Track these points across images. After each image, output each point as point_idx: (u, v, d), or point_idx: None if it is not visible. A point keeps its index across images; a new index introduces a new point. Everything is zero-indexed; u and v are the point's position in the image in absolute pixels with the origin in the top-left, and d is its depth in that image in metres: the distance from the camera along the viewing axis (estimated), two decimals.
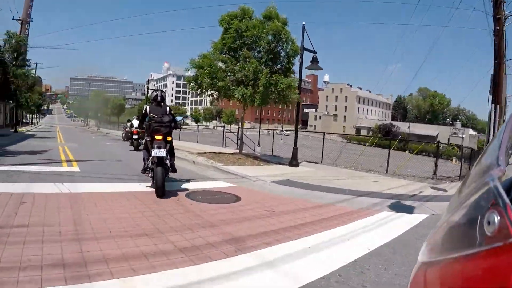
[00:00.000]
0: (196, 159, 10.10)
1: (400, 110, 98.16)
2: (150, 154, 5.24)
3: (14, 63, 19.35)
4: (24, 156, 9.10)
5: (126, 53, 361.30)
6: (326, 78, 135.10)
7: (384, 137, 46.12)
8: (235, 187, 6.44)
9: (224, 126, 16.18)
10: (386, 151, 11.06)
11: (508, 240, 0.52)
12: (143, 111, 5.54)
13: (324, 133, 14.02)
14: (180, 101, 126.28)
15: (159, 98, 5.53)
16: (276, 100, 10.15)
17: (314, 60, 10.48)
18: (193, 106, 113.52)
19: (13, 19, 26.62)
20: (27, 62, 20.67)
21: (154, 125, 5.17)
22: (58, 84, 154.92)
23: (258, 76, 9.55)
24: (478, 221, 0.61)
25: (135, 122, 13.88)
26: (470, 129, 69.24)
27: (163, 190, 4.93)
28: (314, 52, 10.40)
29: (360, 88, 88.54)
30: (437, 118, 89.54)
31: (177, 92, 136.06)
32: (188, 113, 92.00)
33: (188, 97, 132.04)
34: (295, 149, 10.52)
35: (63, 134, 26.71)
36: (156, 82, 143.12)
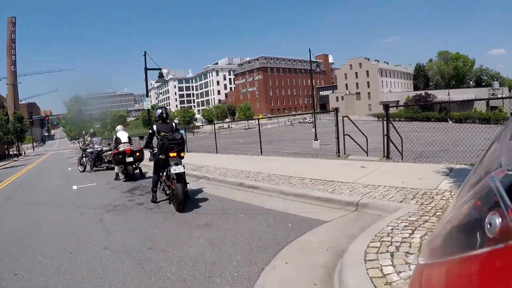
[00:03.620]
0: None
1: (421, 78, 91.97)
2: (160, 175, 5.72)
3: None
4: None
5: (121, 65, 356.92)
6: (330, 59, 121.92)
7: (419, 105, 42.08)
8: None
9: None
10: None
11: (509, 242, 0.52)
12: (150, 131, 5.74)
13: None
14: (185, 104, 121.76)
15: (164, 115, 5.67)
16: None
17: None
18: (200, 108, 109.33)
19: None
20: None
21: (167, 143, 5.24)
22: (60, 108, 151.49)
23: None
24: (480, 223, 0.60)
25: (123, 135, 9.66)
26: (507, 89, 63.65)
27: (184, 205, 5.06)
28: None
29: (378, 61, 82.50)
30: (462, 82, 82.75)
31: (181, 96, 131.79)
32: (197, 115, 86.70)
33: (193, 99, 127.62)
34: None
35: (28, 170, 17.32)
36: (157, 89, 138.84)
